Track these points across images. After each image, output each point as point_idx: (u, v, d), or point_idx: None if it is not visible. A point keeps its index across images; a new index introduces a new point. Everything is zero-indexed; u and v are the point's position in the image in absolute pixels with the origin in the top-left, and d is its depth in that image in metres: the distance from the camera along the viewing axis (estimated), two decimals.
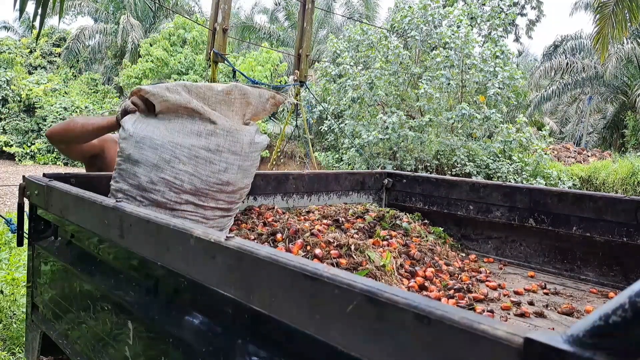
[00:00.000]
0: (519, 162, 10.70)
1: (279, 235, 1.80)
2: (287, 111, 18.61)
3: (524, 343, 0.51)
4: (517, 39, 24.34)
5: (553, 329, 1.55)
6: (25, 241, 1.86)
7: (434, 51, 11.82)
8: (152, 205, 1.61)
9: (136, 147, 1.62)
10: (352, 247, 1.71)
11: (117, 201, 1.20)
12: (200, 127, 1.64)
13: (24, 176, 1.79)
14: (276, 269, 0.77)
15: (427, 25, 12.46)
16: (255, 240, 1.83)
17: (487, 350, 0.54)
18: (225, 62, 5.59)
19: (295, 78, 6.92)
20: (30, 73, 21.13)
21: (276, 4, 24.05)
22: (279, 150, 8.62)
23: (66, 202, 1.45)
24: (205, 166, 1.64)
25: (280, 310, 0.77)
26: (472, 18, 13.10)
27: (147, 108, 1.69)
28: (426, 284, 1.79)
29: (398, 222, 2.27)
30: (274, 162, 8.20)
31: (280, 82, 18.21)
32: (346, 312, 0.67)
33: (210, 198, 1.68)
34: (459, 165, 10.86)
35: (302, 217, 2.19)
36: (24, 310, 2.95)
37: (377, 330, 0.63)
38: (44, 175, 1.74)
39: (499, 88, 11.11)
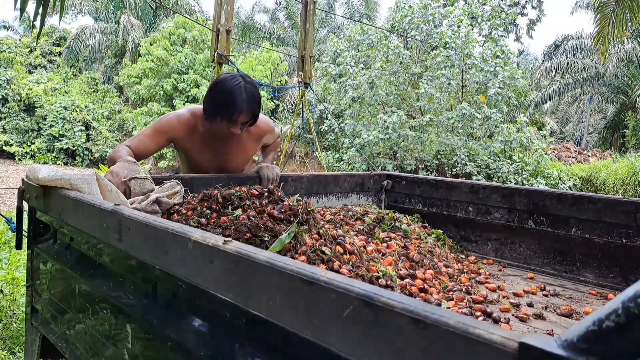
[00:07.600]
0: (519, 162, 10.69)
1: None
2: (287, 111, 18.62)
3: (518, 348, 0.52)
4: (517, 39, 24.33)
5: (552, 330, 1.55)
6: (25, 244, 1.87)
7: (434, 51, 11.81)
8: None
9: None
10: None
11: (115, 205, 1.21)
12: None
13: (23, 179, 1.79)
14: (273, 273, 0.77)
15: (427, 25, 12.46)
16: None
17: (482, 354, 0.54)
18: (230, 63, 5.55)
19: (300, 80, 6.91)
20: (30, 72, 21.13)
21: (277, 4, 24.02)
22: (286, 151, 8.57)
23: (65, 206, 1.45)
24: None
25: (277, 314, 0.78)
26: (472, 18, 13.08)
27: None
28: (425, 286, 1.79)
29: (397, 224, 2.27)
30: (284, 162, 8.11)
31: (280, 81, 18.17)
32: (343, 316, 0.67)
33: None
34: (459, 165, 10.85)
35: None
36: (24, 309, 2.96)
37: (374, 335, 0.64)
38: None
39: (500, 88, 11.10)
